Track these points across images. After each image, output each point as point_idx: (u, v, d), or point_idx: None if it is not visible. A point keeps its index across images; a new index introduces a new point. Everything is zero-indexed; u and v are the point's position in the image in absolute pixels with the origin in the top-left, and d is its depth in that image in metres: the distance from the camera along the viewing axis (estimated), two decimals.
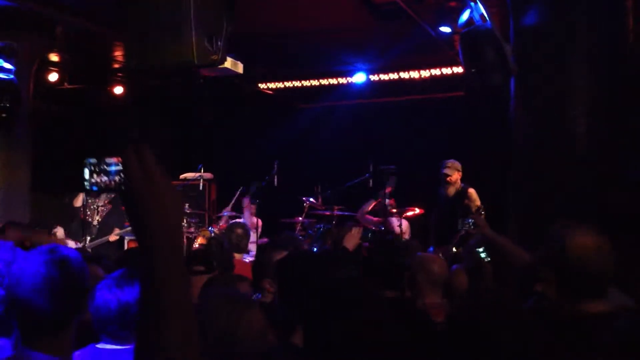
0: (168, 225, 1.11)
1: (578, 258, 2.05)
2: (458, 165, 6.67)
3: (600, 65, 4.58)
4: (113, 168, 1.18)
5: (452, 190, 6.62)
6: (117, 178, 1.17)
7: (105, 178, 1.18)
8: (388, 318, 1.97)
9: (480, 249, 3.64)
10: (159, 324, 1.06)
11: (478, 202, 6.33)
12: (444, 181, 6.66)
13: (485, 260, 3.66)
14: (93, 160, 1.19)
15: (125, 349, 2.20)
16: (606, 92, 4.57)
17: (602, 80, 4.58)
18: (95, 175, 1.19)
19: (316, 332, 2.00)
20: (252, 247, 7.69)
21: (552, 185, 4.62)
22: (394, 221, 7.68)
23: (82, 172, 1.19)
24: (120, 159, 1.16)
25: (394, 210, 7.74)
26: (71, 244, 6.25)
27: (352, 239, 3.84)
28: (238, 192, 8.54)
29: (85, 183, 1.20)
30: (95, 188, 1.20)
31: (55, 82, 8.81)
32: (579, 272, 2.05)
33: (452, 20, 5.26)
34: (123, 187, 1.14)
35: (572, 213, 4.44)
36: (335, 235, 5.30)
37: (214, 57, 4.26)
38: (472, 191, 6.52)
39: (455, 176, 6.62)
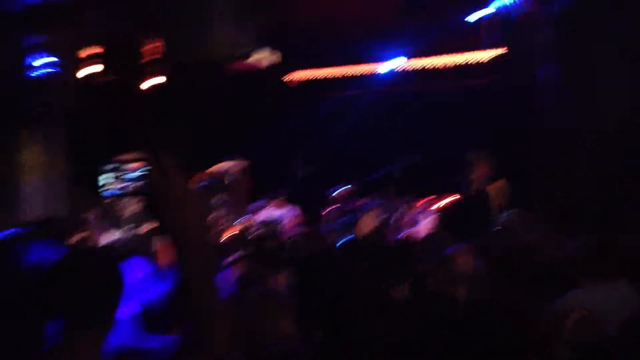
0: (189, 225, 1.18)
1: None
2: (482, 158, 6.52)
3: (634, 52, 4.49)
4: (133, 174, 1.25)
5: (476, 185, 6.47)
6: (137, 183, 1.24)
7: (124, 183, 1.25)
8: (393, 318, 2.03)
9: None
10: (197, 322, 1.14)
11: (499, 197, 6.23)
12: (468, 177, 6.51)
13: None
14: (112, 166, 1.26)
15: None
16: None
17: (636, 68, 4.49)
18: (114, 180, 1.26)
19: (331, 332, 2.06)
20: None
21: (584, 175, 4.57)
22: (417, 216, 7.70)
23: (101, 178, 1.26)
24: (139, 164, 1.23)
25: (421, 201, 7.73)
26: (107, 236, 6.41)
27: (365, 224, 3.87)
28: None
29: (104, 188, 1.27)
30: (114, 192, 1.27)
31: (93, 76, 8.99)
32: None
33: (487, 4, 5.18)
34: (143, 192, 1.21)
35: (608, 202, 4.40)
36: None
37: (244, 50, 4.34)
38: (495, 184, 6.38)
39: (480, 171, 6.46)
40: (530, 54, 4.52)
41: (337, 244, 6.96)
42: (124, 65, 9.50)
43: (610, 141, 4.44)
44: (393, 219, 7.80)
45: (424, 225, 7.74)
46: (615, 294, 2.32)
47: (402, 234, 7.43)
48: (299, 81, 10.57)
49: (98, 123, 9.69)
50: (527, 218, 3.91)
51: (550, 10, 4.65)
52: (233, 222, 8.24)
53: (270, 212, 8.53)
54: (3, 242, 4.00)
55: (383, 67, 9.52)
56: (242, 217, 8.65)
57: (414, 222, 7.80)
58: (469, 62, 8.89)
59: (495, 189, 6.33)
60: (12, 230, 4.19)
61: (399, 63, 9.37)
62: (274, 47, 5.10)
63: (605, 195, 4.38)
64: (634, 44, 4.43)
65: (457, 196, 6.88)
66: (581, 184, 4.50)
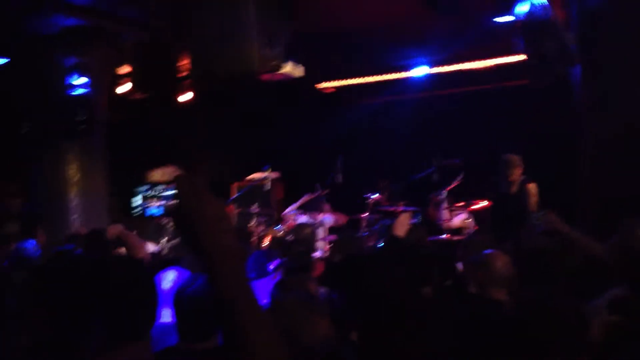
0: (221, 247, 1.18)
1: None
2: (518, 160, 6.43)
3: None
4: (167, 193, 1.27)
5: (514, 188, 6.41)
6: (170, 203, 1.26)
7: (160, 203, 1.28)
8: (431, 321, 2.02)
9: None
10: (238, 337, 1.14)
11: (535, 198, 6.15)
12: (506, 180, 6.44)
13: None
14: (145, 188, 1.28)
15: None
16: None
17: None
18: (149, 201, 1.29)
19: (368, 332, 2.07)
20: (321, 244, 7.83)
21: (624, 174, 4.48)
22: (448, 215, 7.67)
23: (134, 200, 1.29)
24: (172, 184, 1.25)
25: (461, 204, 7.68)
26: (150, 246, 6.55)
27: (400, 226, 3.86)
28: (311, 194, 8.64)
29: (138, 209, 1.29)
30: (151, 212, 1.30)
31: (127, 92, 9.21)
32: None
33: (511, 9, 5.17)
34: (175, 212, 1.20)
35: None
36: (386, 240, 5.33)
37: (275, 62, 4.39)
38: (531, 186, 6.29)
39: (517, 173, 6.39)
40: (557, 57, 4.46)
41: (377, 246, 6.96)
42: (160, 81, 9.70)
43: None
44: (433, 220, 7.77)
45: (464, 227, 7.69)
46: None
47: (442, 236, 7.40)
48: (332, 90, 10.63)
49: (136, 138, 9.91)
50: (558, 218, 3.84)
51: (574, 13, 4.58)
52: (270, 229, 8.32)
53: (308, 218, 8.57)
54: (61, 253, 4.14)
55: (415, 73, 9.50)
56: (279, 224, 8.72)
57: (455, 224, 7.76)
58: (499, 66, 8.83)
59: (533, 189, 6.27)
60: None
61: (430, 69, 9.34)
62: (305, 58, 5.14)
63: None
64: None
65: (495, 198, 6.80)
66: (612, 186, 4.41)
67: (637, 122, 4.38)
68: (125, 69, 8.80)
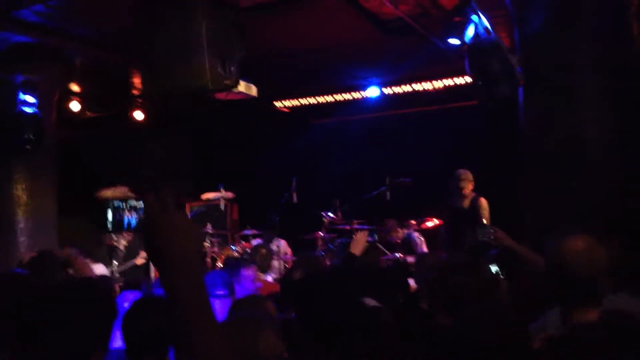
0: (189, 264, 1.18)
1: (569, 264, 2.07)
2: (470, 175, 6.63)
3: (607, 72, 4.61)
4: (134, 209, 1.28)
5: (467, 202, 6.58)
6: (137, 218, 1.27)
7: (127, 219, 1.28)
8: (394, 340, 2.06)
9: (493, 266, 3.67)
10: (193, 352, 1.15)
11: (487, 213, 6.32)
12: (458, 194, 6.61)
13: (499, 275, 3.69)
14: (117, 204, 1.29)
15: None
16: (614, 99, 4.60)
17: (610, 87, 4.61)
18: (117, 216, 1.29)
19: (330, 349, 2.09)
20: (276, 265, 7.82)
21: (563, 193, 4.65)
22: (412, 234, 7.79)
23: (106, 214, 1.29)
24: (141, 200, 1.25)
25: (412, 222, 7.81)
26: (100, 268, 6.41)
27: (358, 244, 3.92)
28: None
29: (109, 224, 1.30)
30: (120, 227, 1.30)
31: (77, 111, 9.07)
32: (570, 278, 2.07)
33: (459, 32, 5.34)
34: (143, 227, 1.22)
35: (583, 220, 4.48)
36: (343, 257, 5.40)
37: (228, 81, 4.40)
38: (483, 201, 6.48)
39: (469, 187, 6.58)
40: (502, 78, 4.64)
41: (334, 265, 6.98)
42: (113, 99, 9.60)
43: (587, 164, 4.54)
44: (386, 239, 7.87)
45: (417, 245, 7.81)
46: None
47: (395, 254, 7.50)
48: (286, 110, 10.70)
49: (88, 156, 9.74)
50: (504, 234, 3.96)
51: (520, 35, 4.78)
52: (224, 249, 8.26)
53: (262, 240, 8.56)
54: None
55: (367, 94, 9.67)
56: (232, 244, 8.67)
57: (407, 242, 7.88)
58: (449, 87, 9.08)
59: (484, 204, 6.45)
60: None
61: (382, 89, 9.52)
62: (258, 77, 5.17)
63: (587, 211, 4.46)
64: (607, 61, 4.55)
65: (447, 212, 6.94)
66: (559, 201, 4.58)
67: (572, 144, 4.57)
68: (75, 87, 8.68)
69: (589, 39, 4.55)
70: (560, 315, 2.13)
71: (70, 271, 3.97)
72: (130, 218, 1.29)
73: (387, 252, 7.67)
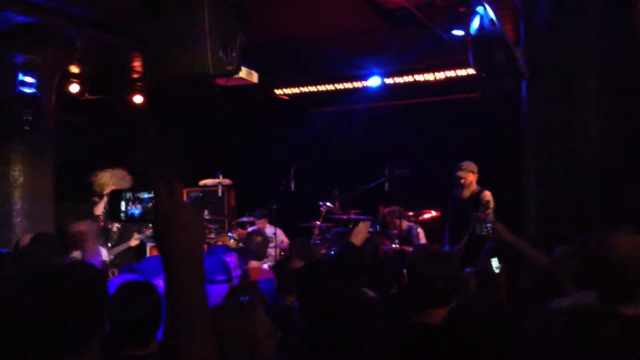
0: (193, 255, 1.21)
1: (620, 261, 2.12)
2: (473, 167, 6.60)
3: (611, 66, 4.60)
4: (146, 196, 1.29)
5: (466, 193, 6.55)
6: (148, 209, 1.29)
7: (139, 208, 1.30)
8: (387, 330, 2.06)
9: (494, 259, 3.67)
10: (181, 341, 1.18)
11: (492, 205, 6.28)
12: (458, 183, 6.61)
13: (497, 270, 3.69)
14: (129, 193, 1.31)
15: None
16: (617, 94, 4.58)
17: (613, 82, 4.59)
18: (130, 205, 1.31)
19: (327, 339, 2.09)
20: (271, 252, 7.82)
21: (564, 187, 4.64)
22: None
23: (119, 204, 1.31)
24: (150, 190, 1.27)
25: (410, 214, 7.80)
26: (104, 253, 6.38)
27: (359, 235, 3.91)
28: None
29: (122, 214, 1.32)
30: (127, 217, 1.31)
31: (77, 93, 9.02)
32: (619, 274, 2.12)
33: (464, 23, 5.30)
34: (152, 217, 1.25)
35: (585, 213, 4.48)
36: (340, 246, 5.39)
37: (229, 67, 4.36)
38: (487, 193, 6.44)
39: (470, 178, 6.53)
40: (506, 71, 4.61)
41: (331, 254, 6.97)
42: (112, 82, 9.55)
43: (589, 158, 4.53)
44: (386, 230, 7.87)
45: (416, 237, 7.81)
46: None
47: (394, 245, 7.49)
48: (285, 98, 10.66)
49: (87, 139, 9.70)
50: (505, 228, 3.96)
51: (526, 28, 4.76)
52: (221, 236, 8.24)
53: (259, 227, 8.55)
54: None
55: (368, 83, 9.62)
56: (230, 231, 8.66)
57: (407, 234, 7.88)
58: (451, 78, 9.05)
59: (488, 197, 6.40)
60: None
61: (383, 79, 9.48)
62: (260, 64, 5.14)
63: (586, 206, 4.46)
64: (612, 55, 4.53)
65: (449, 206, 6.93)
66: (559, 196, 4.57)
67: (573, 139, 4.56)
68: (75, 69, 8.62)
69: (594, 35, 4.54)
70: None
71: (76, 253, 3.93)
72: (134, 209, 1.31)
73: (386, 242, 7.67)
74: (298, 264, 3.70)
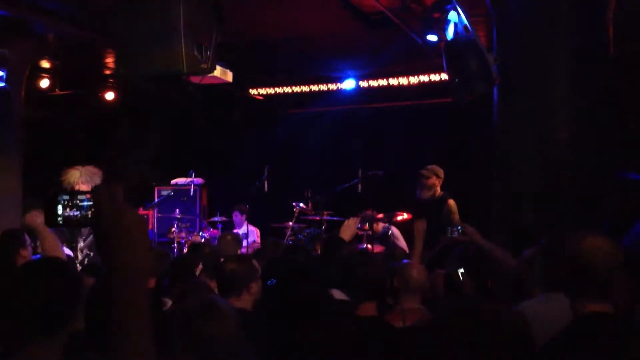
0: (135, 261, 1.17)
1: (590, 260, 2.21)
2: (438, 170, 6.59)
3: (582, 74, 4.69)
4: (85, 203, 1.24)
5: (426, 194, 6.52)
6: (88, 213, 1.24)
7: (77, 212, 1.25)
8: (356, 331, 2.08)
9: (461, 270, 3.72)
10: (121, 343, 1.15)
11: (456, 214, 6.31)
12: (419, 182, 6.58)
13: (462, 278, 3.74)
14: (66, 196, 1.25)
15: None
16: (587, 100, 4.68)
17: (584, 89, 4.69)
18: (67, 210, 1.25)
19: (290, 338, 2.09)
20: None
21: (534, 192, 4.72)
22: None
23: (56, 208, 1.25)
24: (91, 195, 1.23)
25: (381, 216, 7.85)
26: (65, 251, 6.27)
27: (348, 230, 3.93)
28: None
29: (59, 218, 1.26)
30: (69, 220, 1.26)
31: (47, 88, 8.87)
32: (589, 273, 2.20)
33: (438, 29, 5.36)
34: (94, 222, 1.20)
35: (554, 218, 4.56)
36: (325, 239, 5.38)
37: (204, 65, 4.34)
38: (451, 202, 6.42)
39: (432, 180, 6.53)
40: (478, 76, 4.69)
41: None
42: (80, 78, 9.40)
43: (559, 163, 4.62)
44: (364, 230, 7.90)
45: (394, 238, 7.86)
46: (563, 305, 2.41)
47: (363, 246, 7.53)
48: (260, 98, 10.63)
49: (55, 135, 9.54)
50: (475, 231, 4.05)
51: (498, 35, 4.83)
52: (192, 236, 8.19)
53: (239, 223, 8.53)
54: None
55: (343, 86, 9.67)
56: (201, 231, 8.61)
57: (384, 235, 7.92)
58: (423, 83, 9.14)
59: (452, 206, 6.43)
60: None
61: (358, 82, 9.54)
62: (234, 63, 5.13)
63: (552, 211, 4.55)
64: (582, 63, 4.63)
65: (413, 206, 6.97)
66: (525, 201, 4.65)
67: (545, 143, 4.64)
68: (46, 64, 8.47)
69: (566, 41, 4.62)
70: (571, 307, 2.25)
71: (38, 247, 3.86)
72: (72, 214, 1.26)
73: (359, 243, 7.71)
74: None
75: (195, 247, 6.13)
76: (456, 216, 6.30)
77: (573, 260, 2.24)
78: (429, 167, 6.59)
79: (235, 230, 8.46)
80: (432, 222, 5.21)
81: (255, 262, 3.24)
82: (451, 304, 2.38)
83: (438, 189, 6.55)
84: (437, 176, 6.53)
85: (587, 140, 4.66)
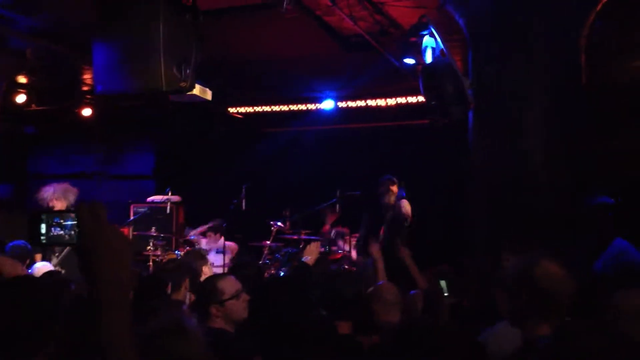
0: (117, 281, 1.19)
1: (545, 284, 2.27)
2: (390, 182, 6.87)
3: (556, 99, 4.81)
4: (68, 222, 1.25)
5: (388, 203, 6.79)
6: (71, 232, 1.25)
7: (60, 231, 1.25)
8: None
9: (442, 281, 3.79)
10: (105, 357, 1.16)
11: (408, 214, 6.53)
12: (383, 201, 6.87)
13: (445, 292, 3.81)
14: (49, 216, 1.26)
15: None
16: (561, 125, 4.79)
17: (557, 113, 4.80)
18: (51, 229, 1.26)
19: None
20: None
21: (508, 213, 4.79)
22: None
23: (39, 227, 1.26)
24: (74, 214, 1.24)
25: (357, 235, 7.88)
26: (47, 266, 6.18)
27: (311, 254, 3.95)
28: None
29: (42, 237, 1.26)
30: (52, 239, 1.27)
31: (23, 103, 8.79)
32: (544, 297, 2.26)
33: (415, 52, 5.46)
34: (76, 242, 1.21)
35: (526, 238, 4.63)
36: (293, 268, 5.41)
37: (183, 84, 4.34)
38: (403, 202, 6.71)
39: (387, 193, 6.81)
40: (454, 100, 4.79)
41: (280, 275, 6.97)
42: (58, 93, 9.34)
43: (533, 186, 4.71)
44: (334, 249, 7.92)
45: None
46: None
47: (341, 265, 7.54)
48: (239, 116, 10.65)
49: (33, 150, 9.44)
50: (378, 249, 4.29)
51: (474, 60, 4.95)
52: (168, 254, 8.12)
53: (207, 244, 8.46)
54: None
55: (322, 106, 9.74)
56: (177, 249, 8.53)
57: (351, 253, 7.95)
58: (400, 105, 9.27)
59: (406, 205, 6.62)
60: None
61: (337, 103, 9.62)
62: (214, 82, 5.14)
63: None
64: (556, 89, 4.74)
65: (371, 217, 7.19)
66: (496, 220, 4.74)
67: (518, 168, 4.73)
68: (23, 79, 8.41)
69: (539, 69, 4.74)
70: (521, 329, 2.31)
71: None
72: (54, 233, 1.27)
73: (334, 263, 7.72)
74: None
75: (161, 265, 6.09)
76: (407, 215, 6.50)
77: (526, 285, 2.29)
78: (384, 179, 6.87)
79: (205, 242, 8.40)
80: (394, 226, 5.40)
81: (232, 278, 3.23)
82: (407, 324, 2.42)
83: (393, 197, 6.80)
84: (389, 188, 6.80)
85: (560, 163, 4.76)
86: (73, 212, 1.25)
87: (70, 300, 2.44)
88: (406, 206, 6.66)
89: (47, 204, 6.49)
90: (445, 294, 3.79)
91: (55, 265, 6.75)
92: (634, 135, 7.40)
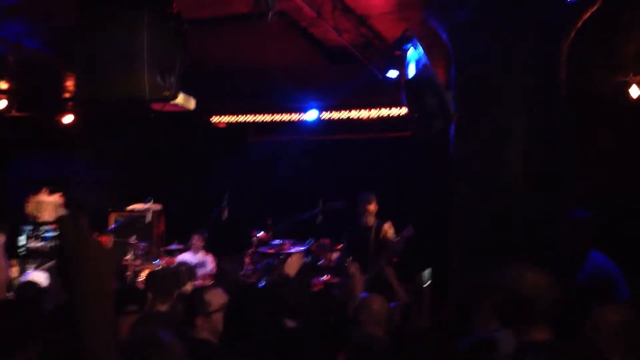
0: (99, 289, 1.20)
1: (530, 292, 2.36)
2: (367, 200, 6.74)
3: (536, 111, 4.88)
4: (49, 234, 1.27)
5: (369, 223, 6.65)
6: (52, 243, 1.27)
7: (41, 243, 1.27)
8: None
9: (426, 271, 3.84)
10: None
11: (391, 235, 6.45)
12: (363, 216, 6.70)
13: (428, 281, 3.87)
14: (30, 227, 1.28)
15: None
16: (541, 136, 4.86)
17: (539, 123, 4.87)
18: (31, 240, 1.28)
19: None
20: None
21: (489, 224, 4.84)
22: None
23: (18, 238, 1.28)
24: (56, 225, 1.25)
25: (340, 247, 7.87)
26: (42, 277, 6.09)
27: (292, 265, 3.95)
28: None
29: (22, 249, 1.28)
30: (31, 252, 1.29)
31: (4, 109, 8.70)
32: (530, 305, 2.35)
33: (399, 65, 5.51)
34: (58, 253, 1.22)
35: (508, 247, 4.68)
36: (271, 280, 5.41)
37: (166, 92, 4.33)
38: (387, 226, 6.58)
39: (368, 210, 6.69)
40: (436, 113, 4.85)
41: (260, 285, 6.93)
42: (39, 100, 9.26)
43: (513, 195, 4.77)
44: (317, 262, 7.90)
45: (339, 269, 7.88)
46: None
47: (323, 277, 7.52)
48: (222, 125, 10.64)
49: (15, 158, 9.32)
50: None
51: (457, 73, 5.01)
52: (148, 263, 8.06)
53: (188, 255, 8.41)
54: None
55: (305, 116, 9.76)
56: (157, 259, 8.47)
57: (335, 264, 7.93)
58: (382, 117, 9.33)
59: (389, 229, 6.55)
60: None
61: (320, 114, 9.66)
62: (198, 91, 5.13)
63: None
64: (536, 101, 4.82)
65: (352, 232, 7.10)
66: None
67: (498, 178, 4.79)
68: (4, 85, 8.33)
69: (521, 79, 4.81)
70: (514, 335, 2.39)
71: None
72: (35, 244, 1.29)
73: (318, 274, 7.71)
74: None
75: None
76: (390, 237, 6.42)
77: (514, 294, 2.37)
78: (365, 196, 6.71)
79: (189, 254, 8.35)
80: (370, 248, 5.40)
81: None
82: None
83: (372, 215, 6.69)
84: (370, 204, 6.69)
85: (541, 174, 4.83)
86: (54, 223, 1.27)
87: (50, 311, 2.42)
88: (392, 236, 6.45)
89: (36, 216, 6.41)
90: (428, 282, 3.85)
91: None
92: (613, 146, 7.54)
